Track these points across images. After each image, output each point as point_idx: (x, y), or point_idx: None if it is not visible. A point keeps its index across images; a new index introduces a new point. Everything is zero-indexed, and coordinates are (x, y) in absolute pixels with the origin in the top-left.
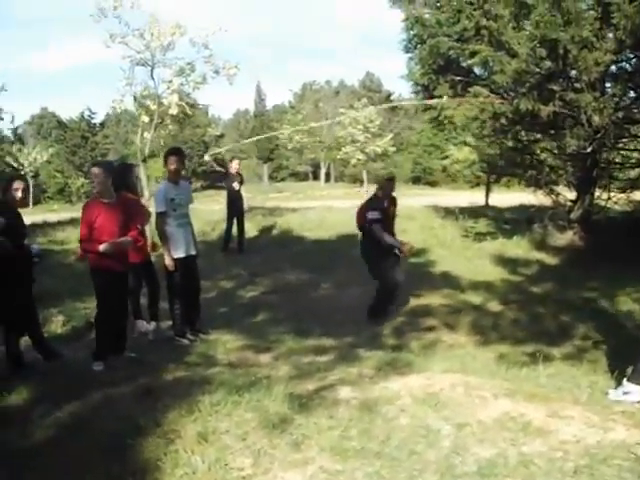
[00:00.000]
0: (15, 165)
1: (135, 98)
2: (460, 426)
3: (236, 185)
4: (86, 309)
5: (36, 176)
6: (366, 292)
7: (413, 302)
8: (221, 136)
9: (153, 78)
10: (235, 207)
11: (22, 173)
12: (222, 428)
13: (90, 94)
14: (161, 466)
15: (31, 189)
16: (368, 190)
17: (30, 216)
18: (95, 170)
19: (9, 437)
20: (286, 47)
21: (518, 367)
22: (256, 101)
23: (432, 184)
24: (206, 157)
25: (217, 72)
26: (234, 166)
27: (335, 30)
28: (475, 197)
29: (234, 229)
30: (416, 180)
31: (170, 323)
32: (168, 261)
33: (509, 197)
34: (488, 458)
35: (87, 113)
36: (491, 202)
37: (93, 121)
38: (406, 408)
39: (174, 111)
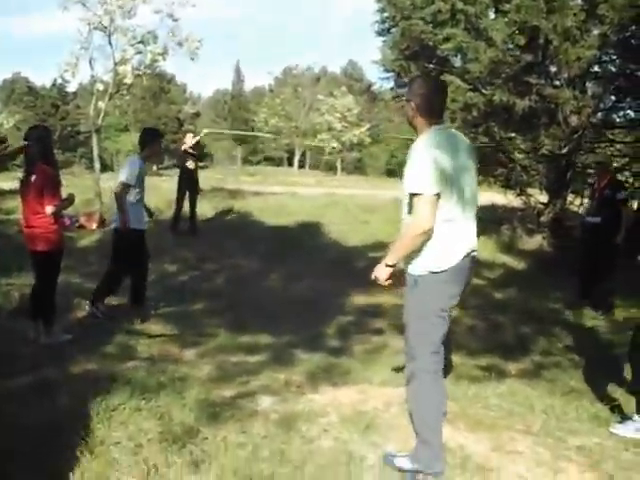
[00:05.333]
0: None
1: (91, 63)
2: None
3: (190, 164)
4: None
5: (3, 142)
6: (316, 286)
7: (363, 300)
8: (197, 114)
9: (111, 44)
10: (187, 187)
11: None
12: (113, 438)
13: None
14: None
15: None
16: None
17: None
18: None
19: None
20: (271, 30)
21: (467, 383)
22: (234, 82)
23: None
24: (204, 132)
25: (180, 44)
26: (187, 142)
27: (323, 16)
28: None
29: (186, 210)
30: (391, 173)
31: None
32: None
33: (487, 196)
34: None
35: (59, 81)
36: None
37: (66, 89)
38: (330, 428)
39: (129, 80)
